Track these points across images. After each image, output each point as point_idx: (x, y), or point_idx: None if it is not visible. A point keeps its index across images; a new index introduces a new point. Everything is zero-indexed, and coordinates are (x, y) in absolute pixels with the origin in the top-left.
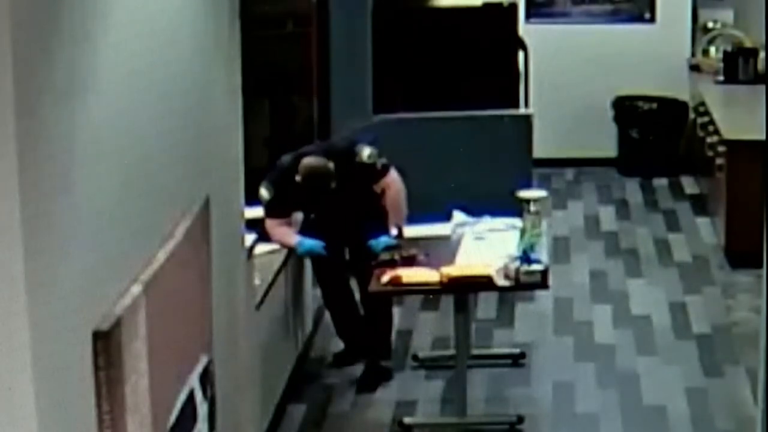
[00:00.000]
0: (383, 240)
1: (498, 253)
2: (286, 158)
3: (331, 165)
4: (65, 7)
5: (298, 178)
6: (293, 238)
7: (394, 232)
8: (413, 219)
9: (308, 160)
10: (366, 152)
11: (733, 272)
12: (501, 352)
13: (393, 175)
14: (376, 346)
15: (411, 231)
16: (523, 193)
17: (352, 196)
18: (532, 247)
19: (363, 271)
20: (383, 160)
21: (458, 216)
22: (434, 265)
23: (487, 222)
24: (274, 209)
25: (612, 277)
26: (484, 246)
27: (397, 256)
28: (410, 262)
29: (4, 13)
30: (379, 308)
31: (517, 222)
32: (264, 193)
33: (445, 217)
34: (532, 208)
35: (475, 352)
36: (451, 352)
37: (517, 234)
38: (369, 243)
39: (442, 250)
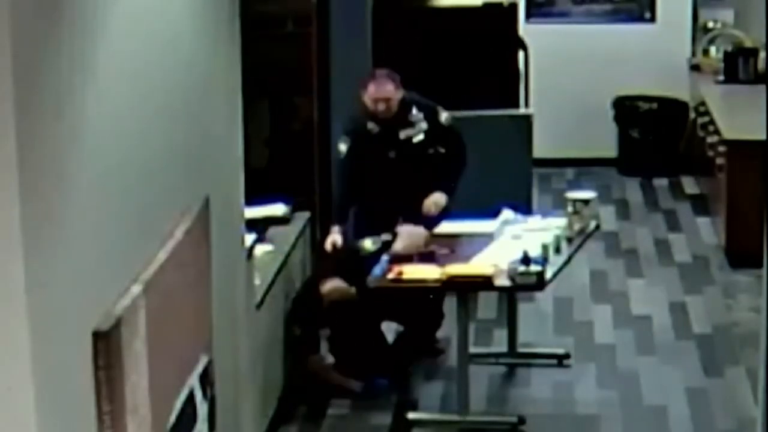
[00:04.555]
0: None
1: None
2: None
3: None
4: (65, 8)
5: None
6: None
7: (384, 236)
8: (460, 215)
9: (329, 288)
10: (444, 115)
11: (733, 272)
12: (546, 351)
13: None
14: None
15: (455, 227)
16: (570, 194)
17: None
18: (557, 249)
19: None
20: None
21: (506, 213)
22: (456, 261)
23: (533, 221)
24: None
25: (612, 277)
26: (515, 245)
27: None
28: (428, 258)
29: (4, 13)
30: (431, 308)
31: (562, 222)
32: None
33: (493, 214)
34: (570, 208)
35: (522, 350)
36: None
37: (552, 234)
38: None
39: (473, 247)
